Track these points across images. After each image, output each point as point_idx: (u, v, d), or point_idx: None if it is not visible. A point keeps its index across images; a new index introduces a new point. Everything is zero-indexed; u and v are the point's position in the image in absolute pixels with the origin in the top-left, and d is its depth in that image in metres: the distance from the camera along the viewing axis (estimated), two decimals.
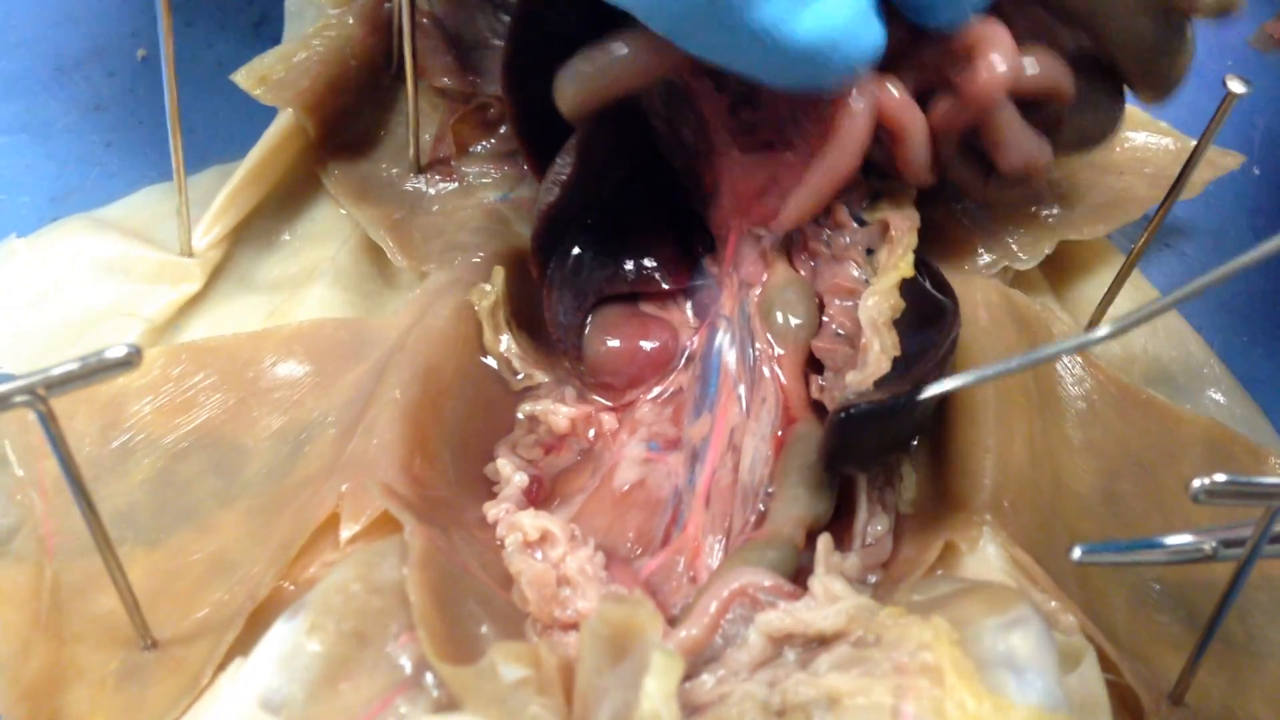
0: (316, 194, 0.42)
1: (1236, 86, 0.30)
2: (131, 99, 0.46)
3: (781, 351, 0.33)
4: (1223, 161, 0.42)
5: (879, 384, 0.29)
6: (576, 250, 0.35)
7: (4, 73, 0.47)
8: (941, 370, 0.30)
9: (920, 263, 0.33)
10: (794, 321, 0.33)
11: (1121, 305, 0.39)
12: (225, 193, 0.39)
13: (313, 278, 0.39)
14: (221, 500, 0.34)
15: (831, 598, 0.26)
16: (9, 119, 0.46)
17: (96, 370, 0.24)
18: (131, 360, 0.24)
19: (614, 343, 0.34)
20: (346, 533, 0.29)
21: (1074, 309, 0.40)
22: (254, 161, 0.40)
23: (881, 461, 0.32)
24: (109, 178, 0.44)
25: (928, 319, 0.31)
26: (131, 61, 0.48)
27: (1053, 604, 0.29)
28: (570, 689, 0.23)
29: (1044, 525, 0.32)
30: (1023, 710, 0.22)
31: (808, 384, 0.33)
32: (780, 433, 0.32)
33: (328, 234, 0.41)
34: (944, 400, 0.34)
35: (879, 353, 0.30)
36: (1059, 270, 0.40)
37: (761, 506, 0.30)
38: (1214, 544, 0.25)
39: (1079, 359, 0.36)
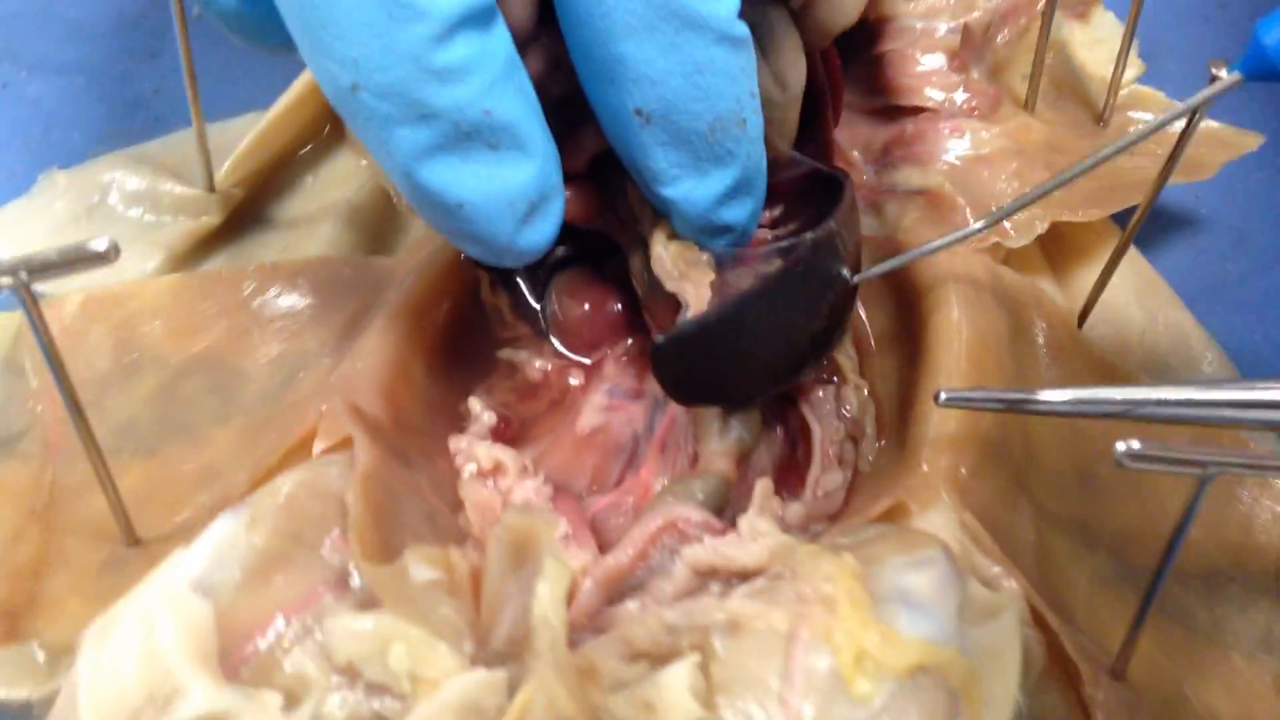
0: (341, 142, 0.44)
1: (1222, 73, 0.30)
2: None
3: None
4: (1239, 142, 0.41)
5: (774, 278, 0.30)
6: None
7: (71, 19, 0.50)
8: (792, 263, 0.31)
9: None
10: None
11: (1123, 291, 0.39)
12: (250, 136, 0.41)
13: (326, 216, 0.41)
14: (217, 418, 0.35)
15: (755, 535, 0.26)
16: (70, 62, 0.48)
17: (76, 260, 0.26)
18: (108, 255, 0.26)
19: (578, 307, 0.35)
20: (319, 447, 0.31)
21: (1074, 293, 0.39)
22: (281, 108, 0.42)
23: (746, 391, 0.32)
24: (154, 121, 0.46)
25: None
26: (189, 16, 0.50)
27: (995, 569, 0.29)
28: (480, 593, 0.24)
29: (1004, 495, 0.32)
30: (910, 643, 0.22)
31: None
32: None
33: (347, 178, 0.42)
34: (916, 360, 0.34)
35: (695, 291, 0.30)
36: (1060, 252, 0.40)
37: (694, 449, 0.31)
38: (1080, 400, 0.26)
39: (1069, 336, 0.36)
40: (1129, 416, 0.26)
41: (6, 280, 0.26)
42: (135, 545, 0.32)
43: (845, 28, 0.32)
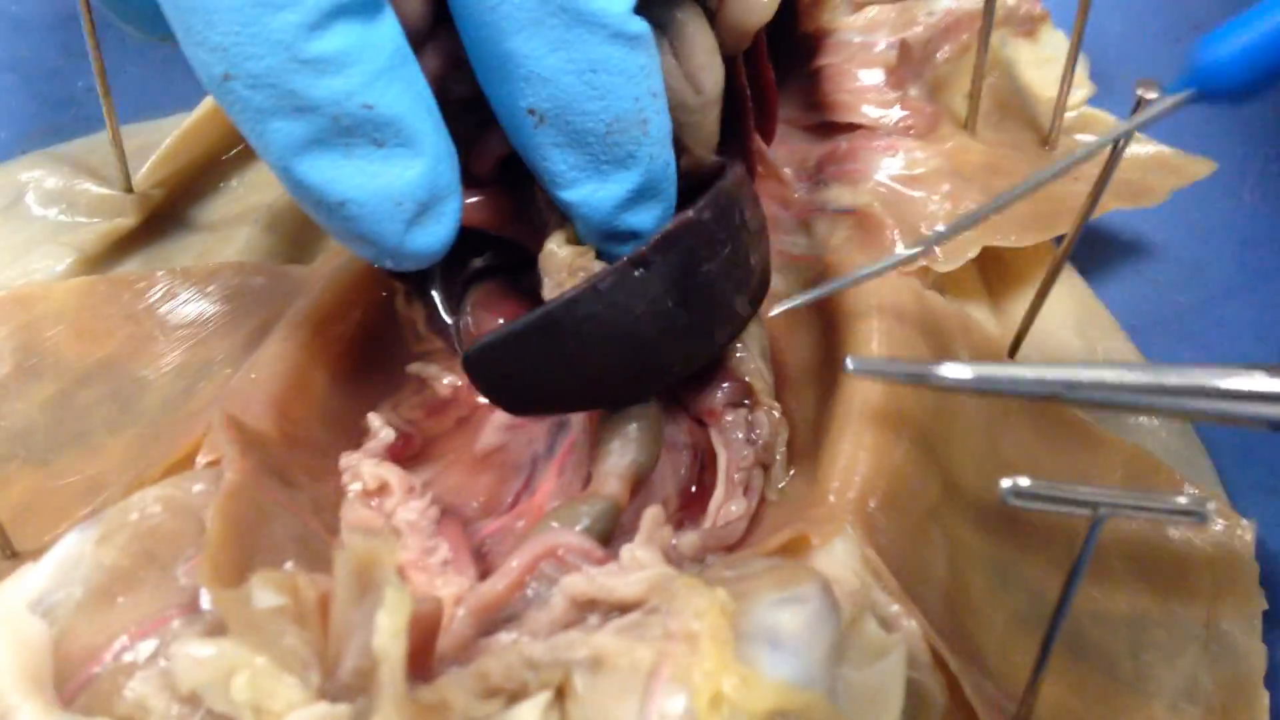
0: None
1: (1148, 93, 0.29)
2: (120, 49, 0.48)
3: None
4: (1190, 168, 0.40)
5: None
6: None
7: (9, 14, 0.49)
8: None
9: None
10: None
11: (1061, 320, 0.38)
12: (173, 136, 0.40)
13: (246, 221, 0.40)
14: (113, 427, 0.34)
15: (636, 566, 0.25)
16: (2, 58, 0.47)
17: None
18: None
19: (491, 321, 0.33)
20: (203, 460, 0.30)
21: (1012, 320, 0.38)
22: (206, 108, 0.41)
23: (586, 401, 0.30)
24: (84, 120, 0.45)
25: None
26: None
27: (895, 608, 0.27)
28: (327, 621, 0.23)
29: (916, 529, 0.30)
30: (770, 684, 0.21)
31: None
32: None
33: (271, 183, 0.41)
34: (832, 391, 0.32)
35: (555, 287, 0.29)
36: (1000, 278, 0.39)
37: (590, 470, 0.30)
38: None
39: None
40: (1039, 397, 0.26)
41: None
42: (10, 559, 0.30)
43: (758, 27, 0.31)
